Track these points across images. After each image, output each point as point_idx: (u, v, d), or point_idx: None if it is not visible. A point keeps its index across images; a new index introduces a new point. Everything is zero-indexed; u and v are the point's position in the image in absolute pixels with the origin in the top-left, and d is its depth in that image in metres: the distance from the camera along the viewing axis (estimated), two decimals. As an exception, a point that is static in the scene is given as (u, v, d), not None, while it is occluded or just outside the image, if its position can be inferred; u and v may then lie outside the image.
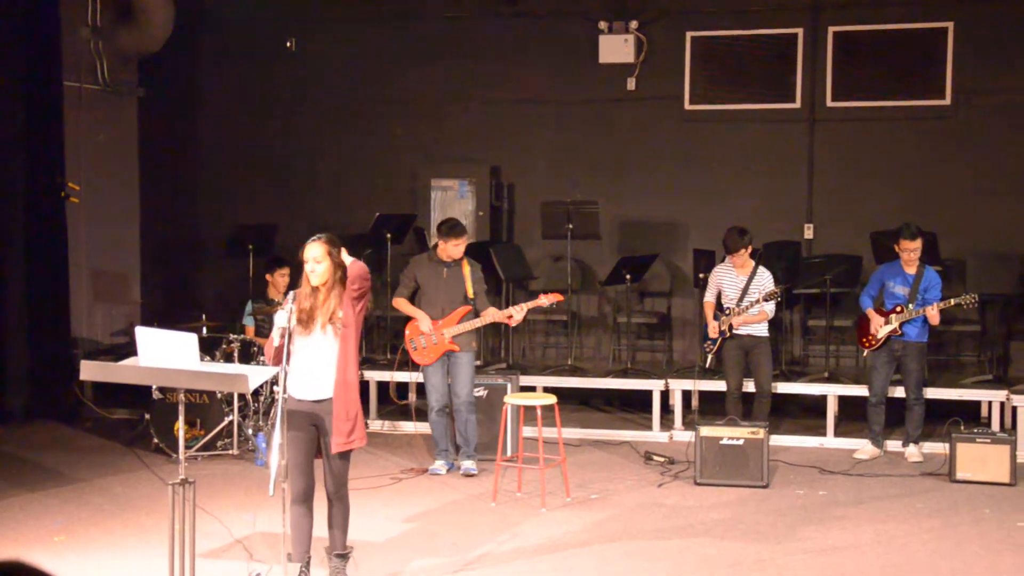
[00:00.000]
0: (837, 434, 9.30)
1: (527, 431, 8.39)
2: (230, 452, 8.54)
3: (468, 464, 8.17)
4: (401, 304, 8.21)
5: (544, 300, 8.02)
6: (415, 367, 8.46)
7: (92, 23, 11.02)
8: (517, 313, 7.99)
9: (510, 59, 11.48)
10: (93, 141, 11.17)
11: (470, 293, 8.07)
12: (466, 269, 8.10)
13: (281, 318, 5.35)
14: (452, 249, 8.02)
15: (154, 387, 8.36)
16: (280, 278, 9.38)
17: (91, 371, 5.38)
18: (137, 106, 11.86)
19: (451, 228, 8.06)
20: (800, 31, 10.86)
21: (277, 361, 5.36)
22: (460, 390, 8.11)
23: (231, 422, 8.51)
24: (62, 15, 10.35)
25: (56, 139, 10.29)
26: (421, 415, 9.77)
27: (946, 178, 10.68)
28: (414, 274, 8.18)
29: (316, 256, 5.44)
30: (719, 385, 9.07)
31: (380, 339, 10.96)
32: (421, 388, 8.50)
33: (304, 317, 5.42)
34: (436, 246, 8.16)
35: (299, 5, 11.75)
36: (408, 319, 8.21)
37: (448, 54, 11.56)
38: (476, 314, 8.09)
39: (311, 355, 5.44)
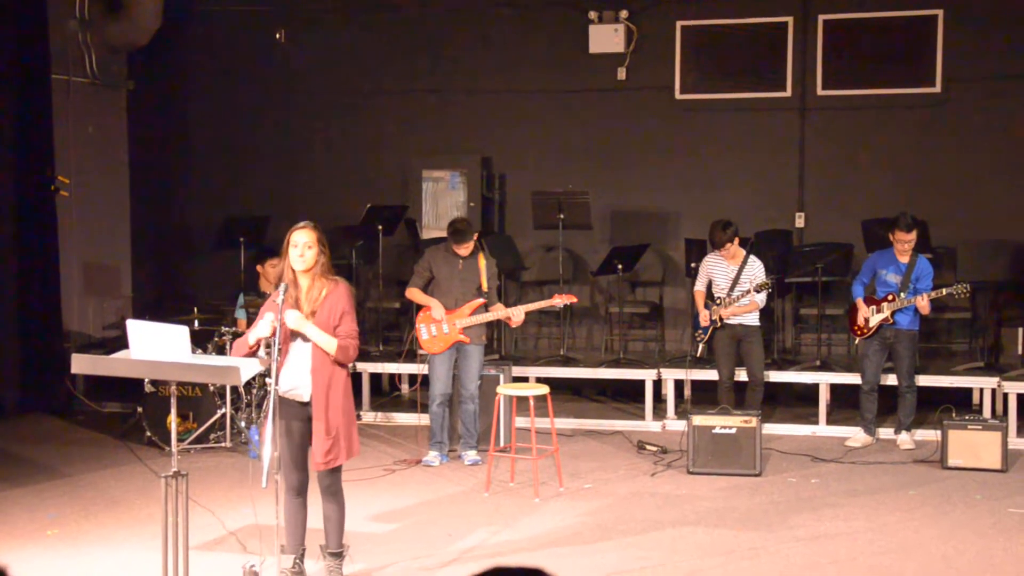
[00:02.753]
0: (829, 422, 9.33)
1: (520, 421, 8.39)
2: (223, 445, 8.53)
3: (472, 455, 8.20)
4: (414, 294, 8.22)
5: (558, 301, 8.02)
6: (411, 358, 8.50)
7: (80, 15, 10.97)
8: (516, 315, 7.99)
9: (500, 49, 11.45)
10: (82, 134, 11.13)
11: (484, 286, 8.07)
12: (482, 262, 8.10)
13: (264, 328, 5.30)
14: (460, 251, 8.06)
15: (146, 380, 8.35)
16: (271, 268, 9.36)
17: (83, 364, 5.37)
18: (126, 99, 11.82)
19: (454, 232, 8.09)
20: (790, 20, 10.85)
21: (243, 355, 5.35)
22: (467, 382, 8.13)
23: (224, 415, 8.51)
24: (50, 7, 10.29)
25: (45, 132, 10.25)
26: (413, 406, 9.79)
27: (937, 166, 10.70)
28: (429, 264, 8.19)
29: (307, 242, 5.40)
30: (711, 374, 9.08)
31: (374, 331, 10.94)
32: (415, 379, 8.51)
33: (292, 306, 5.37)
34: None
35: (288, -4, 11.72)
36: (420, 308, 8.24)
37: (438, 45, 11.53)
38: (488, 308, 8.11)
39: (300, 348, 5.40)
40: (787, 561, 6.08)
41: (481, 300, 8.07)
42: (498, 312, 8.07)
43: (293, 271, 5.42)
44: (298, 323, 5.31)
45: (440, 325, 8.04)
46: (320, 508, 5.61)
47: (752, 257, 8.73)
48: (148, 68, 11.79)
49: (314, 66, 11.74)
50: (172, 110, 12.11)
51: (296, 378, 5.40)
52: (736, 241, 8.62)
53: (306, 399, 5.41)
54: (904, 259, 8.58)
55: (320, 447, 5.37)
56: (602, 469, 8.14)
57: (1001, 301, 10.23)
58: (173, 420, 5.25)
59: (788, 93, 10.91)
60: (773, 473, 7.98)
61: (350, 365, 5.52)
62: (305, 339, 5.37)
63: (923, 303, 8.41)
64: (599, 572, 5.91)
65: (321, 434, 5.36)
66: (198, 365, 5.38)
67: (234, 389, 8.54)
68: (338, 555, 5.62)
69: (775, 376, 9.47)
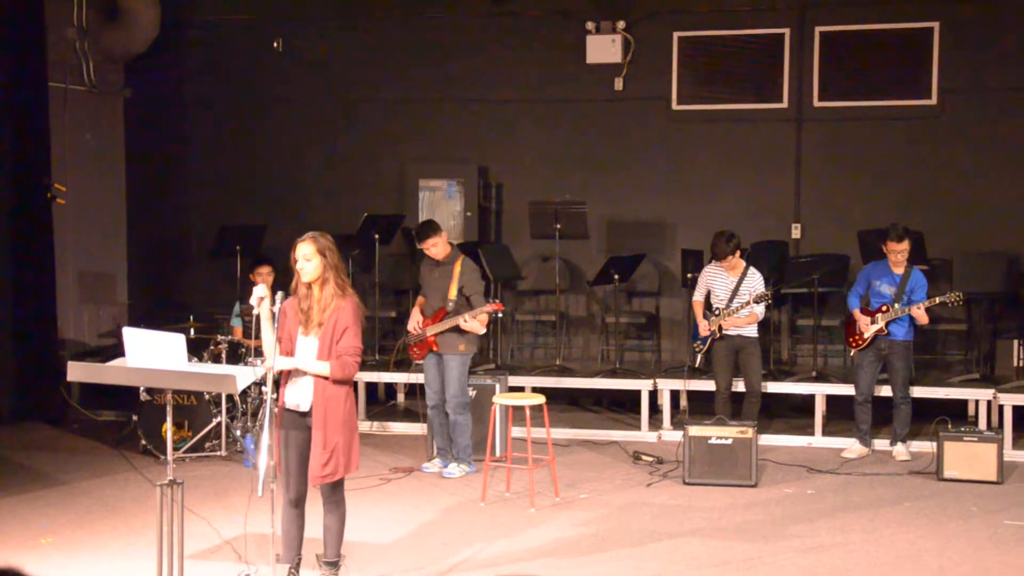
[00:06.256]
0: (825, 433, 9.33)
1: (516, 431, 8.39)
2: (218, 453, 8.51)
3: (449, 467, 8.19)
4: (417, 302, 8.36)
5: (489, 307, 7.97)
6: (406, 366, 8.52)
7: (77, 24, 10.97)
8: (463, 323, 7.96)
9: (498, 59, 11.47)
10: (79, 142, 11.12)
11: (451, 294, 8.07)
12: (457, 269, 8.10)
13: (257, 292, 5.28)
14: (428, 252, 8.09)
15: (142, 388, 8.33)
16: (258, 277, 9.36)
17: (78, 372, 5.35)
18: (123, 107, 11.82)
19: (416, 233, 8.25)
20: (787, 31, 10.89)
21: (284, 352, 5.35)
22: (446, 392, 8.14)
23: (219, 423, 8.49)
24: (47, 16, 10.29)
25: (42, 140, 10.24)
26: (409, 415, 9.79)
27: (932, 177, 10.72)
28: (421, 273, 8.34)
29: (306, 254, 5.40)
30: (708, 385, 9.08)
31: (369, 340, 10.92)
32: (414, 389, 8.56)
33: (303, 317, 5.41)
34: None
35: (286, 5, 11.72)
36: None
37: (436, 54, 11.55)
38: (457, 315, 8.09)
39: (307, 357, 5.41)
40: (783, 572, 6.07)
41: (444, 308, 8.08)
42: (453, 320, 8.04)
43: (303, 283, 5.41)
44: (288, 364, 5.31)
45: (416, 334, 8.16)
46: (319, 518, 5.60)
47: (752, 269, 8.75)
48: (145, 77, 11.79)
49: (311, 75, 11.75)
50: (169, 119, 12.10)
51: (297, 389, 5.40)
52: (738, 253, 8.64)
53: (304, 409, 5.41)
54: (898, 270, 8.60)
55: (316, 460, 5.35)
56: (598, 479, 8.13)
57: (996, 312, 10.25)
58: (168, 428, 5.24)
59: (785, 104, 10.94)
60: (769, 484, 7.98)
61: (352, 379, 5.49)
62: (308, 347, 5.37)
63: (919, 312, 8.43)
64: (595, 582, 5.90)
65: (319, 448, 5.34)
66: (194, 373, 5.36)
67: (229, 398, 8.53)
68: (334, 564, 5.61)
69: (771, 387, 9.47)
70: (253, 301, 5.29)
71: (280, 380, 5.47)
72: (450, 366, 8.09)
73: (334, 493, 5.50)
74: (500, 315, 8.13)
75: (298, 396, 5.41)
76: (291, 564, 5.56)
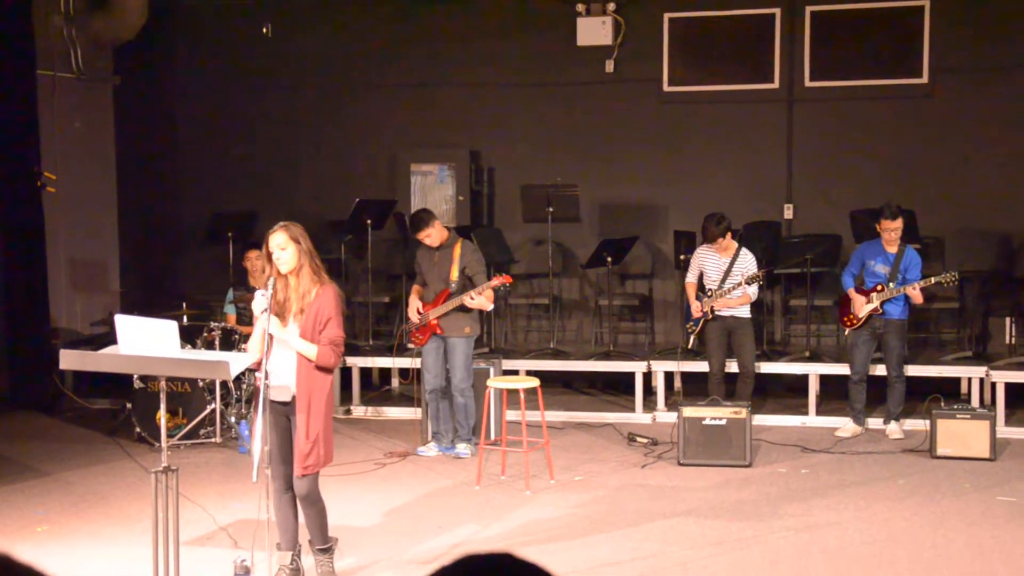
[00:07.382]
0: (819, 413, 9.36)
1: (510, 414, 8.39)
2: (213, 440, 8.52)
3: (460, 447, 8.23)
4: (413, 290, 8.32)
5: (495, 281, 7.98)
6: (402, 352, 8.51)
7: (65, 11, 10.90)
8: (469, 301, 7.97)
9: (488, 42, 11.43)
10: (69, 130, 11.07)
11: (453, 276, 8.07)
12: (457, 252, 8.09)
13: (259, 304, 5.30)
14: (425, 241, 8.07)
15: (135, 376, 8.33)
16: (249, 263, 9.35)
17: (71, 360, 5.34)
18: (112, 94, 11.75)
19: (411, 223, 8.25)
20: (778, 11, 10.86)
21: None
22: (452, 374, 8.15)
23: (213, 410, 8.48)
24: (34, 3, 10.24)
25: (31, 128, 10.19)
26: (403, 400, 9.81)
27: (924, 156, 10.73)
28: (418, 261, 8.32)
29: (280, 243, 5.32)
30: (701, 366, 9.09)
31: (363, 326, 10.93)
32: (405, 374, 8.56)
33: (278, 309, 5.35)
34: None
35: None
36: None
37: (426, 38, 11.51)
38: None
39: (284, 349, 5.34)
40: (777, 551, 6.10)
41: (447, 290, 8.08)
42: (458, 300, 8.03)
43: (280, 273, 5.37)
44: (277, 331, 5.27)
45: (418, 319, 8.15)
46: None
47: (744, 250, 8.75)
48: (134, 63, 11.73)
49: (301, 60, 11.71)
50: (158, 105, 12.06)
51: (279, 378, 5.35)
52: (728, 235, 8.65)
53: (286, 399, 5.37)
54: (892, 249, 8.60)
55: (299, 451, 5.32)
56: (593, 461, 8.15)
57: (989, 291, 10.28)
58: (163, 416, 5.23)
59: (776, 85, 10.92)
60: (763, 464, 8.00)
61: (335, 369, 5.47)
62: (289, 330, 5.34)
63: (914, 292, 8.44)
64: (591, 564, 5.92)
65: (302, 438, 5.31)
66: (187, 360, 5.35)
67: (223, 384, 8.52)
68: (326, 550, 5.59)
69: (765, 367, 9.49)
70: (256, 311, 5.29)
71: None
72: (456, 349, 8.08)
73: (311, 490, 5.40)
74: (508, 288, 8.13)
75: (278, 384, 5.32)
76: (292, 551, 5.55)
